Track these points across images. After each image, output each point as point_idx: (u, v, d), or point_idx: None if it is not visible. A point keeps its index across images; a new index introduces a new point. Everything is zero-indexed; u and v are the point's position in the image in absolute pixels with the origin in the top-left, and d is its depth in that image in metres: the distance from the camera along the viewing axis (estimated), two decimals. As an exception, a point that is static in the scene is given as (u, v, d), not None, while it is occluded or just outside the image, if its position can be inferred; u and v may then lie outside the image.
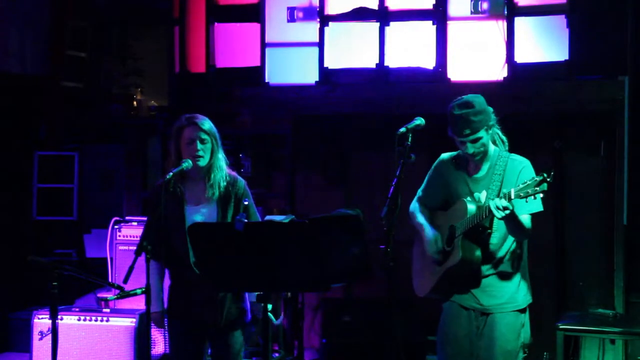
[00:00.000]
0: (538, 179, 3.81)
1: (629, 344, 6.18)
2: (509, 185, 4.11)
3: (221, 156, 4.47)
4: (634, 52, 6.45)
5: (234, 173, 4.54)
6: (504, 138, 4.35)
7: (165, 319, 4.51)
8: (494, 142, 4.32)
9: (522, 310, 4.29)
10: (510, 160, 4.24)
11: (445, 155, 4.44)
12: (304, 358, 6.61)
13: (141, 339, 5.74)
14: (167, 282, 4.59)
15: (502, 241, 4.24)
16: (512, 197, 3.88)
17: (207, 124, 4.43)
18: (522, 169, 4.19)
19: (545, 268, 6.64)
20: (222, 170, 4.46)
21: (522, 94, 6.55)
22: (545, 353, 6.23)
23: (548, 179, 3.78)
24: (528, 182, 3.84)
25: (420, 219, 4.45)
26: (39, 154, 7.52)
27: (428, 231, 4.37)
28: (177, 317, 4.47)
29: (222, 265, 3.97)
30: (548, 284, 6.65)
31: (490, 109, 4.24)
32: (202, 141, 4.39)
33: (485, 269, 4.24)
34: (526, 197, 3.84)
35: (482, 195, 4.23)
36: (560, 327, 5.87)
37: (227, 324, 4.43)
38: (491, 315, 4.26)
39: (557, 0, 6.63)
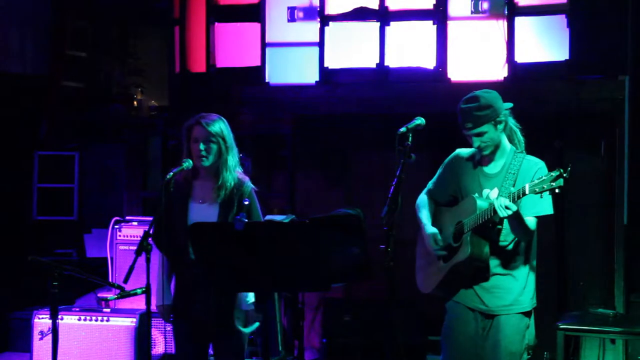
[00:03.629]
0: (554, 174, 3.80)
1: (629, 344, 6.17)
2: (522, 185, 4.10)
3: (231, 158, 4.46)
4: (634, 52, 6.45)
5: (245, 178, 4.51)
6: (522, 139, 4.33)
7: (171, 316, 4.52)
8: (512, 141, 4.32)
9: (527, 313, 4.27)
10: (525, 161, 4.22)
11: (460, 151, 4.43)
12: (304, 358, 6.59)
13: (141, 339, 5.74)
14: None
15: (512, 239, 4.21)
16: (527, 192, 3.87)
17: (215, 125, 4.42)
18: (537, 169, 4.16)
19: (545, 268, 6.61)
20: (231, 172, 4.45)
21: (522, 94, 6.54)
22: (545, 353, 6.23)
23: (564, 175, 3.77)
24: (544, 178, 3.83)
25: (423, 215, 4.44)
26: (39, 154, 7.52)
27: (428, 228, 4.36)
28: (180, 316, 4.48)
29: (222, 265, 3.97)
30: (548, 284, 6.64)
31: (504, 106, 4.22)
32: (207, 142, 4.39)
33: (493, 266, 4.22)
34: (541, 192, 3.83)
35: (493, 193, 4.21)
36: (561, 327, 5.87)
37: (228, 323, 4.43)
38: (497, 317, 4.25)
39: (557, 0, 6.63)
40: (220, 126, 4.44)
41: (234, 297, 4.44)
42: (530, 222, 4.12)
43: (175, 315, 4.49)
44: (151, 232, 4.22)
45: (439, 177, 4.48)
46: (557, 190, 3.81)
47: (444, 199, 4.44)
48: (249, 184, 4.51)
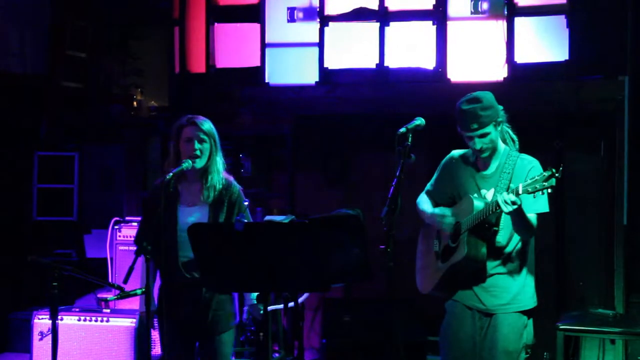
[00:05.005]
0: (546, 174, 3.81)
1: (629, 344, 6.17)
2: (517, 183, 4.10)
3: (219, 159, 4.48)
4: (634, 52, 6.45)
5: (230, 178, 4.54)
6: (515, 137, 4.35)
7: (155, 319, 4.51)
8: (504, 141, 4.33)
9: (525, 312, 4.29)
10: (519, 160, 4.24)
11: (455, 152, 4.45)
12: (304, 358, 6.61)
13: (141, 339, 5.74)
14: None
15: (508, 240, 4.23)
16: (520, 192, 3.89)
17: (206, 124, 4.44)
18: (531, 168, 4.19)
19: (545, 268, 6.63)
20: (219, 173, 4.47)
21: (522, 94, 6.54)
22: (545, 353, 6.23)
23: (557, 175, 3.79)
24: (536, 178, 3.85)
25: (424, 205, 4.47)
26: (39, 154, 7.52)
27: (433, 210, 4.38)
28: (166, 318, 4.47)
29: (222, 266, 3.97)
30: (548, 284, 6.64)
31: (500, 107, 4.25)
32: (200, 141, 4.40)
33: (490, 267, 4.24)
34: (534, 192, 3.84)
35: (489, 193, 4.23)
36: (561, 327, 5.87)
37: (215, 325, 4.44)
38: (494, 315, 4.26)
39: (557, 0, 6.62)
40: (210, 126, 4.47)
41: (222, 298, 4.45)
42: (532, 218, 4.13)
43: (160, 317, 4.48)
44: (137, 236, 4.23)
45: (437, 179, 4.50)
46: (549, 190, 3.83)
47: (442, 200, 4.46)
48: (237, 185, 4.54)
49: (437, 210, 4.38)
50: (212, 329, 4.43)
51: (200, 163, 4.40)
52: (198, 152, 4.38)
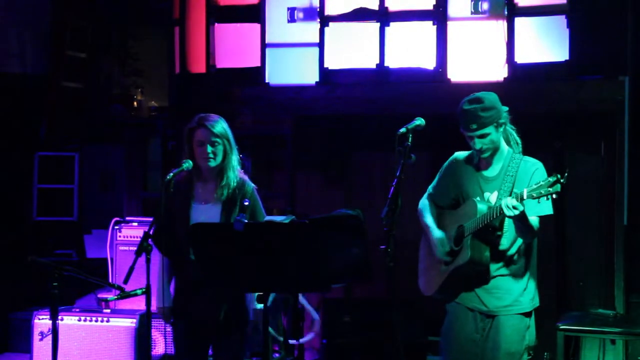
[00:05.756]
0: (551, 179, 3.81)
1: (630, 344, 6.17)
2: (520, 186, 4.10)
3: (235, 157, 4.49)
4: (634, 52, 6.44)
5: (245, 177, 4.55)
6: (519, 140, 4.34)
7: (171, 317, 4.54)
8: (509, 143, 4.32)
9: (528, 314, 4.29)
10: (523, 162, 4.23)
11: (458, 154, 4.44)
12: (304, 358, 6.61)
13: (141, 340, 5.74)
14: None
15: (511, 242, 4.23)
16: (525, 197, 3.88)
17: (218, 126, 4.44)
18: (535, 170, 4.18)
19: (545, 268, 6.60)
20: (235, 171, 4.48)
21: (522, 94, 6.53)
22: (545, 353, 6.23)
23: (562, 180, 3.79)
24: (541, 183, 3.84)
25: (428, 219, 4.44)
26: (39, 154, 7.53)
27: (435, 233, 4.36)
28: (180, 316, 4.49)
29: (222, 266, 3.97)
30: (548, 284, 6.63)
31: (504, 108, 4.24)
32: (213, 144, 4.41)
33: (493, 269, 4.23)
34: (539, 197, 3.84)
35: (493, 196, 4.22)
36: (561, 327, 5.87)
37: (229, 323, 4.44)
38: (496, 317, 4.26)
39: (557, 1, 6.62)
40: (223, 126, 4.47)
41: (235, 297, 4.45)
42: (534, 221, 4.13)
43: (175, 316, 4.50)
44: (151, 233, 4.23)
45: (439, 182, 4.48)
46: (554, 196, 3.82)
47: (445, 202, 4.44)
48: (250, 183, 4.54)
49: (438, 234, 4.36)
50: (226, 327, 4.43)
51: (214, 163, 4.42)
52: (211, 155, 4.39)
